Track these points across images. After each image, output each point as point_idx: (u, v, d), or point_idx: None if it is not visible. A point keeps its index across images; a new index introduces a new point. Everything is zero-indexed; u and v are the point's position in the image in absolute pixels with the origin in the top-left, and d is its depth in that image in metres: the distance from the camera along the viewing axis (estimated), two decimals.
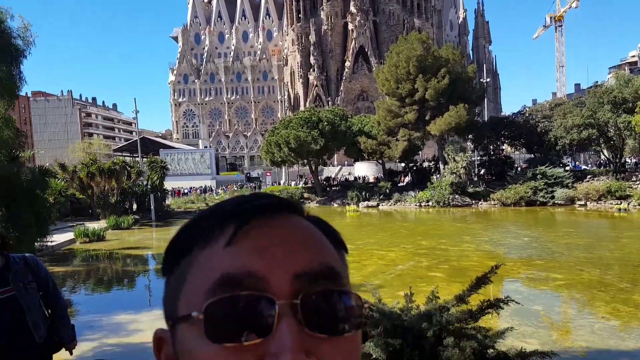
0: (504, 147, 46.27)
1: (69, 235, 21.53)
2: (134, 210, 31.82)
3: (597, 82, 48.27)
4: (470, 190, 35.50)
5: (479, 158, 42.67)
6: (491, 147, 42.55)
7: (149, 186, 32.20)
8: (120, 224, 26.07)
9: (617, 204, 29.87)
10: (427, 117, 36.72)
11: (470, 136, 40.93)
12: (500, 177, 39.29)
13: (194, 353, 0.40)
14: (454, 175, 35.02)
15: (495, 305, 3.94)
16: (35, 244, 15.23)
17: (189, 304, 0.42)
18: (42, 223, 14.72)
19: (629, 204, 29.29)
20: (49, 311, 2.97)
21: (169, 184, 36.50)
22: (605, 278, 12.33)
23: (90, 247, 20.20)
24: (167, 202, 35.90)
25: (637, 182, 32.14)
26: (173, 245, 0.47)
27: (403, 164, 45.08)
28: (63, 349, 3.12)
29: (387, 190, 38.35)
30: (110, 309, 10.71)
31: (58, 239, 19.61)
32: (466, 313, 4.13)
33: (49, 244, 17.55)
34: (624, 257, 15.09)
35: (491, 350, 4.10)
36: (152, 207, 31.10)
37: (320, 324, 0.40)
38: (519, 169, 40.93)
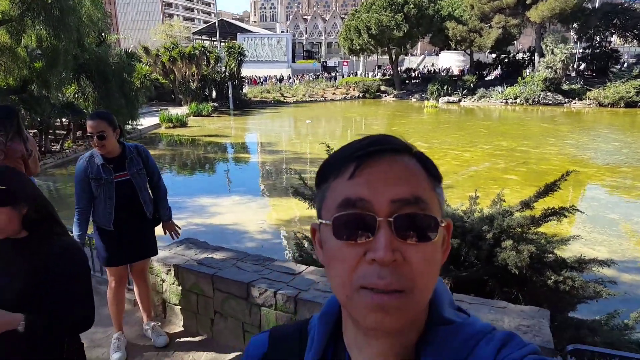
0: (612, 40, 40.44)
1: (155, 120, 23.05)
2: (213, 97, 32.90)
3: None
4: (564, 87, 32.27)
5: (580, 50, 37.91)
6: (597, 39, 37.40)
7: (226, 73, 32.76)
8: (201, 110, 27.33)
9: None
10: (528, 1, 32.46)
11: (574, 25, 35.90)
12: (601, 73, 35.03)
13: (327, 242, 0.62)
14: (550, 69, 31.73)
15: (558, 213, 3.78)
16: (126, 126, 16.54)
17: (326, 213, 0.62)
18: (131, 106, 15.81)
19: None
20: (152, 194, 3.54)
21: (245, 71, 36.69)
22: None
23: (174, 133, 21.61)
24: (244, 90, 36.50)
25: None
26: (319, 173, 0.66)
27: (494, 55, 41.35)
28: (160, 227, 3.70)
29: (472, 85, 35.87)
30: (194, 192, 11.67)
31: (145, 123, 21.14)
32: (528, 219, 4.04)
33: (137, 127, 18.99)
34: None
35: (550, 255, 4.06)
36: (230, 96, 31.97)
37: (406, 234, 0.58)
38: (625, 64, 36.06)
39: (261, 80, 45.60)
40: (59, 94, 13.03)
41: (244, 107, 32.84)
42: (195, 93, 30.24)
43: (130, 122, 16.25)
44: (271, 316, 3.00)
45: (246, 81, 40.03)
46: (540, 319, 2.60)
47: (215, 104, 30.53)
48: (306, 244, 5.11)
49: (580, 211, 3.49)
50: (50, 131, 15.63)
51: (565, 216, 3.70)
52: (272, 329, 0.81)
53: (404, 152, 0.63)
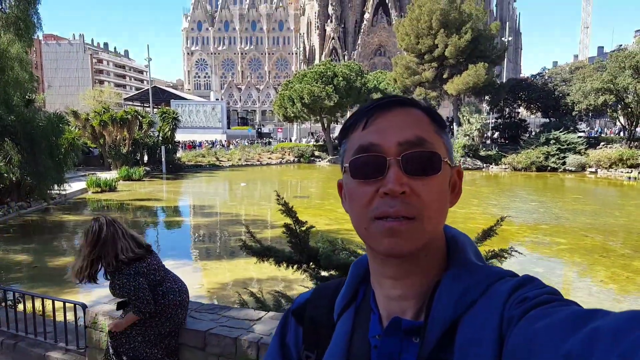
0: (519, 110, 45.45)
1: (81, 185, 21.80)
2: (145, 161, 31.93)
3: (620, 45, 46.43)
4: (482, 153, 35.21)
5: (493, 120, 42.00)
6: (507, 110, 41.80)
7: (160, 137, 32.26)
8: (132, 175, 26.31)
9: (627, 172, 29.57)
10: (445, 76, 35.89)
11: (486, 97, 40.08)
12: (513, 140, 38.83)
13: (347, 185, 0.72)
14: (467, 137, 34.65)
15: (499, 255, 4.05)
16: (51, 191, 15.46)
17: (346, 161, 0.72)
18: (59, 169, 14.96)
19: (639, 173, 29.01)
20: None
21: (179, 137, 36.43)
22: (608, 244, 12.42)
23: (102, 197, 20.54)
24: (178, 154, 35.98)
25: None
26: (341, 132, 0.77)
27: None
28: None
29: None
30: None
31: (71, 187, 19.90)
32: None
33: (62, 192, 17.80)
34: (628, 224, 15.11)
35: None
36: (163, 159, 31.28)
37: (412, 170, 0.66)
38: (533, 133, 40.34)
39: (196, 145, 45.24)
40: None
41: (177, 170, 32.18)
42: (126, 157, 29.25)
43: (56, 186, 15.29)
44: None
45: (180, 146, 39.56)
46: None
47: (147, 168, 29.62)
48: (250, 304, 4.96)
49: (520, 252, 3.76)
50: None
51: (505, 258, 3.98)
52: (319, 284, 0.91)
53: (410, 105, 0.73)
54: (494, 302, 0.62)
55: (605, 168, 30.98)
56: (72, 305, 3.96)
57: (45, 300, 4.06)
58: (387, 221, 0.65)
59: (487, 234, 4.26)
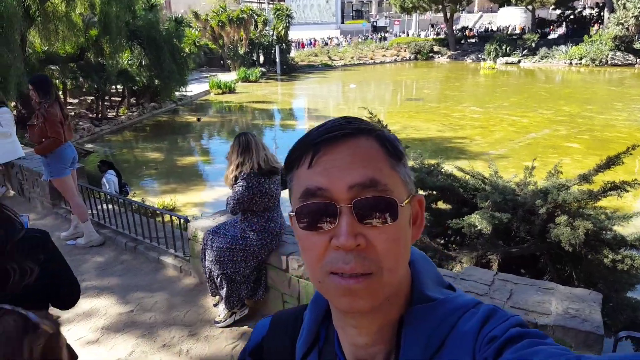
0: None
1: (204, 87, 23.40)
2: (261, 62, 32.82)
3: None
4: (636, 45, 29.53)
5: None
6: None
7: (274, 37, 32.51)
8: (249, 76, 27.38)
9: None
10: None
11: None
12: None
13: (297, 232, 0.63)
14: (621, 26, 29.08)
15: (619, 187, 3.51)
16: (176, 92, 16.78)
17: (293, 204, 0.64)
18: (181, 72, 16.10)
19: None
20: None
21: (292, 34, 36.18)
22: None
23: (223, 99, 21.85)
24: (291, 54, 36.08)
25: None
26: (286, 162, 0.67)
27: (558, 12, 38.36)
28: None
29: (533, 44, 33.57)
30: None
31: (195, 89, 21.50)
32: (585, 193, 3.77)
33: (187, 93, 19.33)
34: None
35: (609, 233, 3.80)
36: (277, 60, 31.78)
37: (367, 218, 0.58)
38: None
39: (308, 43, 44.84)
40: (114, 61, 13.30)
41: (291, 71, 32.61)
42: (244, 58, 30.31)
43: (180, 88, 16.56)
44: (310, 288, 3.02)
45: (293, 44, 39.58)
46: (591, 303, 2.42)
47: (263, 69, 30.49)
48: None
49: None
50: (106, 98, 16.19)
51: (627, 190, 3.43)
52: (275, 314, 0.82)
53: (360, 135, 0.62)
54: (463, 344, 0.58)
55: None
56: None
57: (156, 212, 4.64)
58: (343, 278, 0.58)
59: (612, 161, 3.67)
